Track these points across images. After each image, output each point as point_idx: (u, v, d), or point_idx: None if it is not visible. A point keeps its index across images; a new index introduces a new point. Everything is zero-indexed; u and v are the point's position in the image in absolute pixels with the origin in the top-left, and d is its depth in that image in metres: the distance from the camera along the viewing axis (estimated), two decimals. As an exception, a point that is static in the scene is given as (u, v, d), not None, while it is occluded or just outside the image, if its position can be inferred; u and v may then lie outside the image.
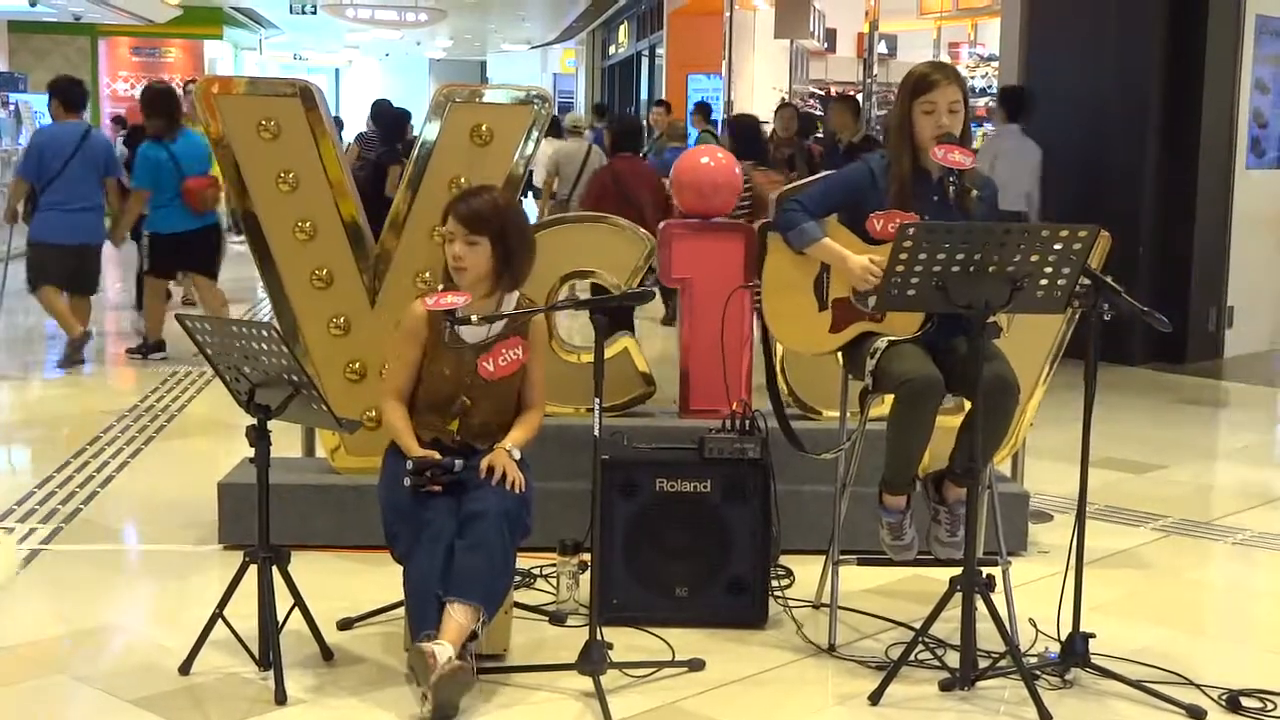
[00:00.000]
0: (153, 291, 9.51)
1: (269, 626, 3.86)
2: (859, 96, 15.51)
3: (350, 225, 5.12)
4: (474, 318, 4.00)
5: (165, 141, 8.97)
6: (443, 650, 3.60)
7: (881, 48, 19.44)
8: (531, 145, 5.10)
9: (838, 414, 4.55)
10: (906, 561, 4.33)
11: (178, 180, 8.92)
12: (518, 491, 3.97)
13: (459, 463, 4.00)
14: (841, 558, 4.33)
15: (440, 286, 4.22)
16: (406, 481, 3.94)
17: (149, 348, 9.36)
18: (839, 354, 4.37)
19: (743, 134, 9.52)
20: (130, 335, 10.44)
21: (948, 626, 4.01)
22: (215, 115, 5.05)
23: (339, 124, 19.69)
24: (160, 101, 9.24)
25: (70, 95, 9.19)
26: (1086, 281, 3.79)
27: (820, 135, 13.42)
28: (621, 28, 27.26)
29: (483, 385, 4.14)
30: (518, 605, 4.30)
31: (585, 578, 4.35)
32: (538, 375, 4.27)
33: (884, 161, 4.26)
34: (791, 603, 4.53)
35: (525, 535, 4.04)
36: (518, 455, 4.06)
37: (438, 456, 4.02)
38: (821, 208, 4.27)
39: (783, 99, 17.23)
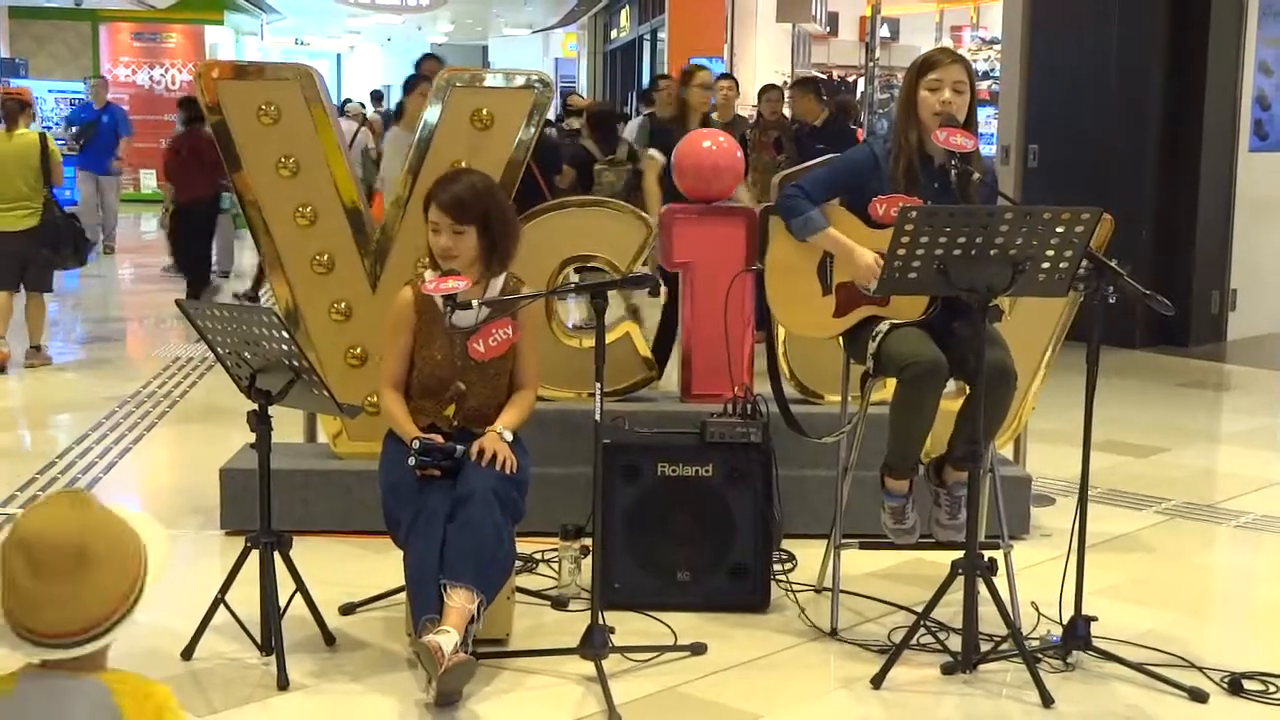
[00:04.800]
0: None
1: (271, 611, 3.86)
2: (858, 78, 15.45)
3: (351, 210, 5.11)
4: (475, 303, 3.99)
5: None
6: (447, 640, 3.58)
7: (884, 31, 19.40)
8: (532, 129, 5.09)
9: (839, 398, 4.54)
10: (908, 545, 4.33)
11: None
12: (509, 472, 3.96)
13: (459, 448, 3.99)
14: (843, 542, 4.33)
15: (424, 268, 4.20)
16: (411, 461, 3.93)
17: None
18: (840, 338, 4.36)
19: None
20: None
21: (950, 610, 4.01)
22: (215, 100, 5.04)
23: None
24: None
25: None
26: (1089, 265, 3.79)
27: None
28: (623, 12, 27.18)
29: (475, 367, 4.13)
30: (519, 590, 4.31)
31: (587, 562, 4.36)
32: (529, 354, 4.26)
33: (887, 145, 4.24)
34: (794, 587, 4.53)
35: (519, 517, 4.04)
36: (509, 437, 4.05)
37: (440, 439, 4.02)
38: (824, 193, 4.26)
39: (787, 81, 17.14)
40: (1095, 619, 3.95)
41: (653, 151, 7.79)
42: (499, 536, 3.86)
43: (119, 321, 10.74)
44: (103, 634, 1.96)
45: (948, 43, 20.53)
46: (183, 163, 10.92)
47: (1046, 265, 3.73)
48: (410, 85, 8.65)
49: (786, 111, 11.39)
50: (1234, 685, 3.87)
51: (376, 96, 21.74)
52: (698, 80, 8.32)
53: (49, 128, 16.46)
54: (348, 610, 4.31)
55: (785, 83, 15.43)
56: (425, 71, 8.86)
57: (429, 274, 4.17)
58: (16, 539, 1.95)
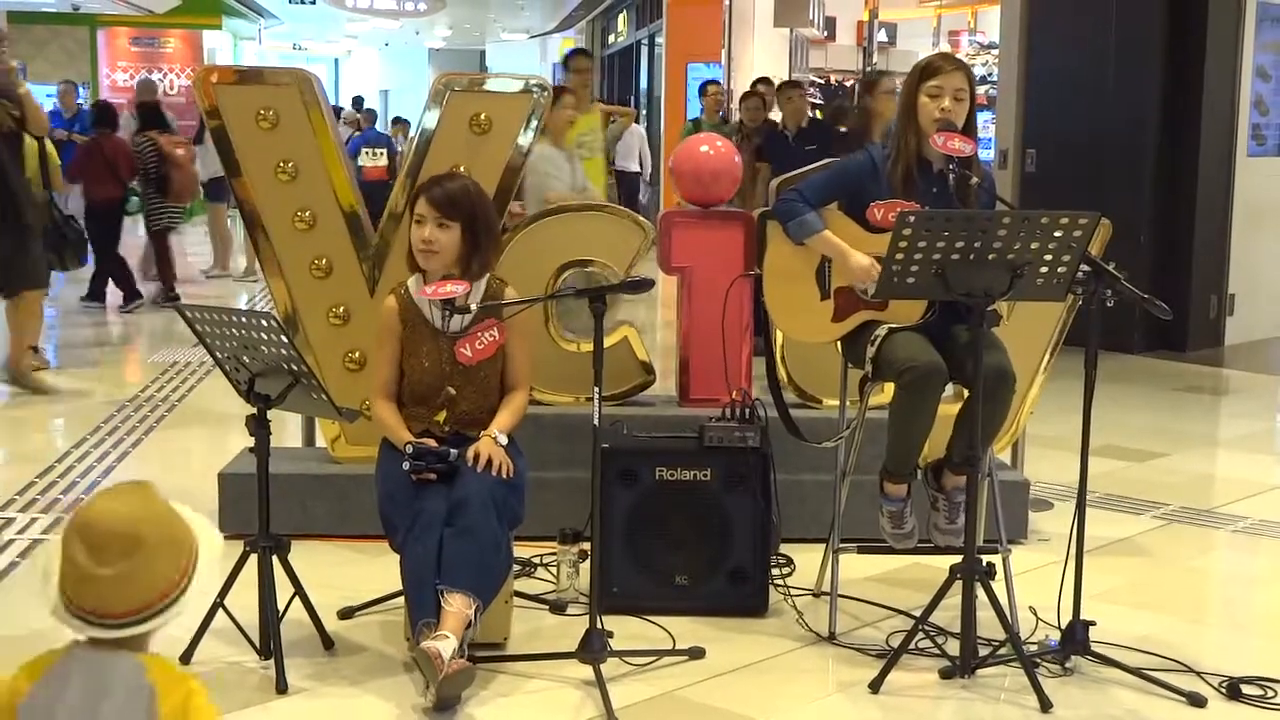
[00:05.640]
0: None
1: (269, 616, 3.86)
2: (855, 83, 15.39)
3: (349, 214, 5.11)
4: (474, 306, 4.00)
5: None
6: (446, 646, 3.59)
7: (881, 36, 19.42)
8: (530, 134, 5.09)
9: (837, 402, 4.54)
10: (907, 550, 4.33)
11: None
12: (505, 476, 3.97)
13: (454, 452, 4.00)
14: (842, 546, 4.33)
15: (411, 279, 4.21)
16: (406, 465, 3.94)
17: None
18: (838, 342, 4.36)
19: (143, 110, 11.75)
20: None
21: (948, 614, 4.01)
22: (214, 105, 5.04)
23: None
24: None
25: None
26: (1087, 269, 3.79)
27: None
28: (620, 17, 27.18)
29: (464, 371, 4.13)
30: (518, 594, 4.31)
31: (585, 566, 4.36)
32: (519, 356, 4.25)
33: (885, 151, 4.25)
34: (792, 591, 4.53)
35: (517, 522, 4.04)
36: (504, 441, 4.05)
37: (434, 444, 4.02)
38: (821, 198, 4.26)
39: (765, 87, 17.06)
40: (1093, 623, 3.95)
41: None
42: (496, 542, 3.87)
43: (116, 325, 10.73)
44: (150, 618, 2.10)
45: (945, 48, 20.55)
46: (95, 164, 11.07)
47: (1044, 270, 3.73)
48: (556, 96, 7.48)
49: (776, 116, 11.29)
50: (1232, 690, 3.87)
51: (358, 103, 21.76)
52: (884, 87, 7.69)
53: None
54: (346, 614, 4.31)
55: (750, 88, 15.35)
56: (575, 67, 8.11)
57: (412, 280, 4.19)
58: (80, 522, 2.09)
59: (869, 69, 7.92)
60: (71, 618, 2.10)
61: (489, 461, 3.95)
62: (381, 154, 14.32)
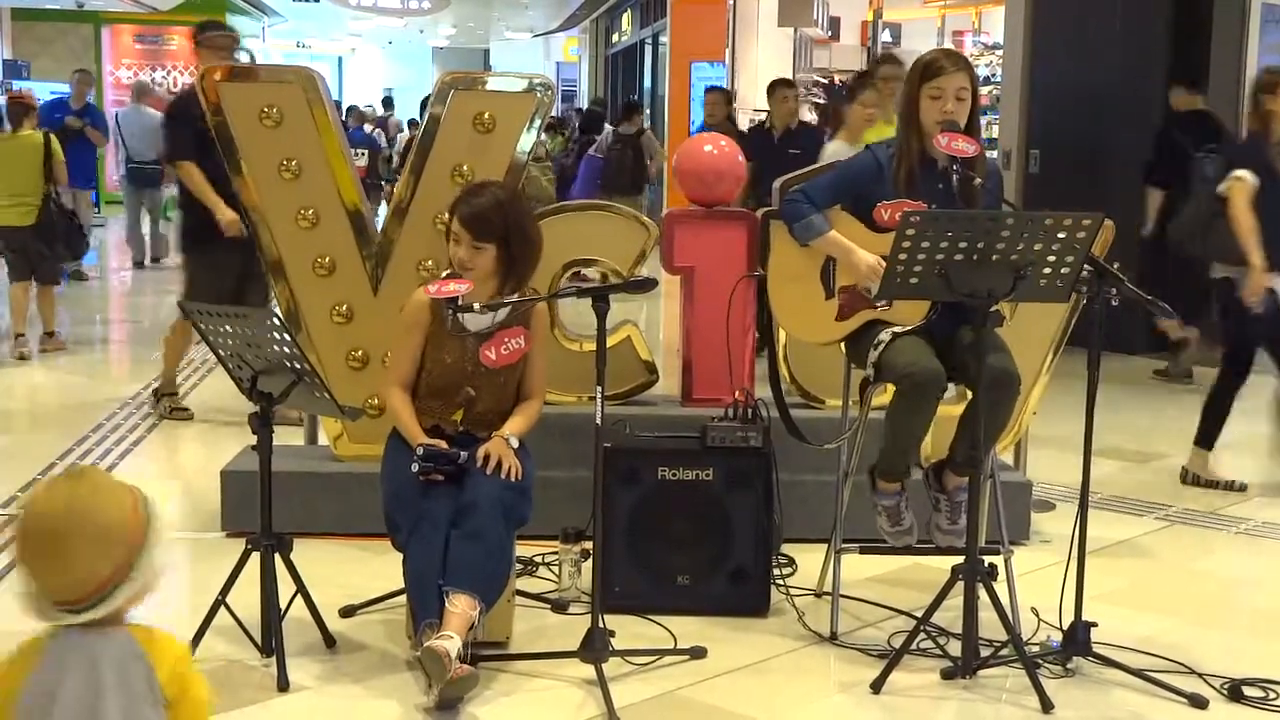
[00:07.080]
0: None
1: (271, 613, 3.87)
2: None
3: (353, 213, 5.11)
4: (477, 305, 4.00)
5: None
6: (452, 645, 3.60)
7: (885, 36, 19.39)
8: (534, 133, 5.09)
9: (840, 403, 4.54)
10: (908, 549, 4.33)
11: None
12: (515, 480, 3.97)
13: (464, 454, 4.00)
14: (843, 546, 4.33)
15: (444, 274, 4.22)
16: (414, 467, 3.94)
17: None
18: (842, 343, 4.36)
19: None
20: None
21: (950, 615, 4.01)
22: (217, 102, 5.04)
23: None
24: None
25: None
26: (1090, 270, 3.79)
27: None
28: (625, 16, 27.18)
29: (485, 373, 4.14)
30: (520, 593, 4.31)
31: (587, 566, 4.36)
32: (539, 365, 4.27)
33: (890, 151, 4.24)
34: (793, 591, 4.53)
35: (522, 523, 4.05)
36: (515, 444, 4.06)
37: (445, 446, 4.02)
38: (826, 199, 4.26)
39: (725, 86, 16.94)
40: (1095, 625, 3.95)
41: (1241, 173, 6.21)
42: (502, 547, 3.88)
43: (120, 323, 10.74)
44: (104, 599, 2.11)
45: (949, 46, 20.51)
46: None
47: (1048, 271, 3.73)
48: (853, 91, 7.63)
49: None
50: (1234, 691, 3.88)
51: (388, 102, 21.78)
52: None
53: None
54: (348, 612, 4.32)
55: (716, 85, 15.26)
56: (883, 75, 7.59)
57: (447, 274, 4.20)
58: (19, 516, 2.15)
59: (1262, 69, 6.82)
60: (42, 604, 2.13)
61: (498, 463, 3.96)
62: (363, 154, 14.44)
